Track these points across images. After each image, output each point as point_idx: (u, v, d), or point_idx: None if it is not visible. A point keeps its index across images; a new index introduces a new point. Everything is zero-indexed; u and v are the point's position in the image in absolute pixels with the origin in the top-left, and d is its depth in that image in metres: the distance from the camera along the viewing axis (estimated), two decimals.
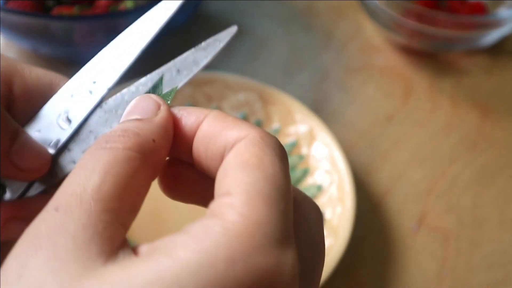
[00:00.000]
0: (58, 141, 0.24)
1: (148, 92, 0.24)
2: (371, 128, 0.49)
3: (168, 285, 0.14)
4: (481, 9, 0.54)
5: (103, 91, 0.24)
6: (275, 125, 0.45)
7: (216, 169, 0.18)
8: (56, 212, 0.16)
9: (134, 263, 0.15)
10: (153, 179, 0.19)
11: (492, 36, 0.51)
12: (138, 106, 0.21)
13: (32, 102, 0.25)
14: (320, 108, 0.50)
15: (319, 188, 0.42)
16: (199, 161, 0.20)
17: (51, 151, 0.24)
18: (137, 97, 0.21)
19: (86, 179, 0.17)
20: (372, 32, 0.57)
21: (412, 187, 0.45)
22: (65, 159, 0.24)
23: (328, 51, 0.55)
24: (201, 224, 0.16)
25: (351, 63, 0.54)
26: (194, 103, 0.45)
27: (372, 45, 0.56)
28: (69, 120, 0.24)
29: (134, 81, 0.25)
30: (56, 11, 0.48)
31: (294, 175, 0.43)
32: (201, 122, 0.19)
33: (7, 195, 0.24)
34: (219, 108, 0.46)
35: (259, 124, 0.45)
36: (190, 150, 0.20)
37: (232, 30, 0.25)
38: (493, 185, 0.46)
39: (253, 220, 0.15)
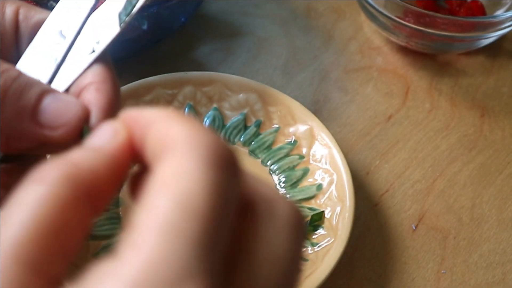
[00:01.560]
0: (56, 56, 0.25)
1: None
2: (370, 128, 0.49)
3: None
4: (479, 10, 0.54)
5: (91, 2, 0.26)
6: (275, 125, 0.45)
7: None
8: None
9: None
10: (94, 215, 0.16)
11: (491, 37, 0.52)
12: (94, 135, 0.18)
13: (36, 30, 0.26)
14: (319, 108, 0.50)
15: (319, 188, 0.42)
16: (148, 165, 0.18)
17: (52, 66, 0.26)
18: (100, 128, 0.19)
19: (4, 227, 0.14)
20: (371, 33, 0.57)
21: (411, 186, 0.46)
22: (64, 71, 0.26)
23: (328, 51, 0.55)
24: (118, 261, 0.14)
25: (350, 64, 0.54)
26: (194, 104, 0.46)
27: (372, 46, 0.56)
28: (63, 36, 0.26)
29: None
30: None
31: (294, 175, 0.43)
32: (149, 128, 0.17)
33: None
34: (219, 108, 0.46)
35: (259, 125, 0.45)
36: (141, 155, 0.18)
37: None
38: (492, 185, 0.46)
39: (158, 264, 0.13)
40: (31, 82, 0.23)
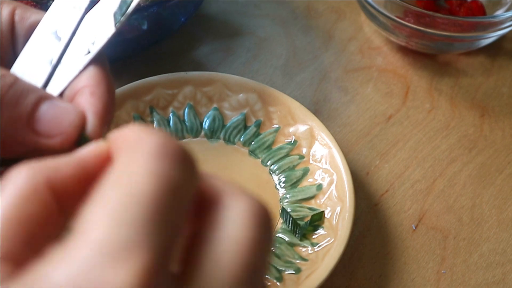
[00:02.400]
0: (52, 57, 0.25)
1: None
2: (370, 128, 0.49)
3: None
4: (479, 10, 0.54)
5: (86, 2, 0.26)
6: (275, 125, 0.45)
7: None
8: None
9: None
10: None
11: (491, 37, 0.52)
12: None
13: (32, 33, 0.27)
14: (319, 108, 0.50)
15: (319, 188, 0.42)
16: None
17: (47, 68, 0.26)
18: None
19: None
20: (371, 33, 0.57)
21: (411, 186, 0.46)
22: (60, 73, 0.26)
23: (328, 51, 0.55)
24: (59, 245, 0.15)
25: (350, 64, 0.54)
26: (195, 104, 0.46)
27: (371, 46, 0.56)
28: (59, 37, 0.26)
29: None
30: None
31: (294, 175, 0.43)
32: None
33: None
34: (219, 108, 0.46)
35: (259, 125, 0.45)
36: None
37: None
38: (492, 185, 0.46)
39: (96, 240, 0.14)
40: (28, 89, 0.23)
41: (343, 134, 0.49)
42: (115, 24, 0.25)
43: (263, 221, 0.17)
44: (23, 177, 0.17)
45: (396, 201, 0.45)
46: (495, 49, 0.57)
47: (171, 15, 0.50)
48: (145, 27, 0.47)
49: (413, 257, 0.42)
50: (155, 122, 0.45)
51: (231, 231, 0.17)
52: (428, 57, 0.55)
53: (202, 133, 0.45)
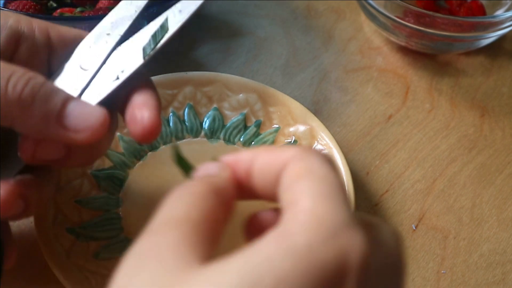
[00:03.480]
0: (78, 86, 0.28)
1: (156, 32, 0.28)
2: (370, 128, 0.49)
3: (264, 267, 0.16)
4: (479, 10, 0.54)
5: (116, 38, 0.29)
6: (275, 125, 0.45)
7: (273, 193, 0.21)
8: (152, 236, 0.19)
9: (226, 262, 0.17)
10: (227, 217, 0.22)
11: (491, 37, 0.52)
12: (206, 168, 0.23)
13: (67, 49, 0.29)
14: (319, 108, 0.50)
15: None
16: (256, 192, 0.22)
17: (75, 92, 0.28)
18: (205, 164, 0.24)
19: (175, 211, 0.20)
20: (371, 33, 0.57)
21: (411, 186, 0.46)
22: (88, 94, 0.28)
23: (328, 51, 0.55)
24: (278, 229, 0.18)
25: (350, 64, 0.54)
26: (194, 104, 0.46)
27: (371, 46, 0.56)
28: (89, 65, 0.28)
29: (141, 28, 0.29)
30: (58, 12, 0.49)
31: None
32: (253, 160, 0.22)
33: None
34: (219, 108, 0.46)
35: (259, 125, 0.46)
36: (249, 187, 0.23)
37: None
38: (492, 185, 0.46)
39: (320, 214, 0.18)
40: (56, 89, 0.26)
41: (343, 134, 0.49)
42: (144, 56, 0.28)
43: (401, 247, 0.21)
44: (208, 194, 0.21)
45: (396, 201, 0.45)
46: (495, 49, 0.57)
47: None
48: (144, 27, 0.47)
49: (413, 257, 0.42)
50: None
51: (387, 249, 0.20)
52: (428, 57, 0.55)
53: (202, 133, 0.45)
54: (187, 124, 0.45)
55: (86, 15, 0.48)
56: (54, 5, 0.50)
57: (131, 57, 0.28)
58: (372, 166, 0.47)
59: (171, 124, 0.45)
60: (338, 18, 0.59)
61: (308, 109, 0.45)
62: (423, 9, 0.49)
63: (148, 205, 0.36)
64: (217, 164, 0.23)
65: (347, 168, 0.41)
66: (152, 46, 0.28)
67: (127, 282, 0.17)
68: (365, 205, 0.44)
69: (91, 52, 0.29)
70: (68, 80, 0.28)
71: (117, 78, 0.28)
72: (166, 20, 0.28)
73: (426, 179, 0.46)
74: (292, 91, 0.51)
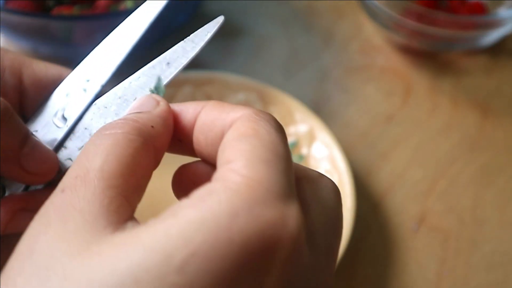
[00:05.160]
0: (54, 139, 0.24)
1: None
2: (371, 128, 0.49)
3: (175, 241, 0.15)
4: (481, 9, 0.54)
5: (96, 88, 0.25)
6: None
7: (215, 152, 0.19)
8: (62, 193, 0.17)
9: (142, 228, 0.15)
10: (155, 164, 0.20)
11: (492, 36, 0.51)
12: (138, 104, 0.22)
13: (42, 93, 0.26)
14: (320, 108, 0.50)
15: None
16: (200, 150, 0.21)
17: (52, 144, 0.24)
18: (138, 98, 0.22)
19: (88, 162, 0.18)
20: (372, 32, 0.57)
21: (412, 187, 0.45)
22: (62, 157, 0.24)
23: (328, 51, 0.55)
24: (204, 188, 0.16)
25: (351, 63, 0.54)
26: None
27: (372, 45, 0.56)
28: (64, 119, 0.25)
29: (126, 77, 0.25)
30: (56, 11, 0.48)
31: None
32: (199, 113, 0.20)
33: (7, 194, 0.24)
34: None
35: None
36: (191, 141, 0.21)
37: (219, 19, 0.26)
38: (493, 185, 0.46)
39: (253, 178, 0.16)
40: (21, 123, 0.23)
41: (344, 134, 0.48)
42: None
43: (340, 197, 0.20)
44: (132, 132, 0.19)
45: (397, 202, 0.44)
46: (497, 49, 0.56)
47: (171, 15, 0.50)
48: None
49: (414, 258, 0.41)
50: None
51: (327, 210, 0.19)
52: (429, 56, 0.55)
53: None
54: None
55: (85, 13, 0.48)
56: (51, 4, 0.50)
57: (108, 118, 0.24)
58: (373, 166, 0.46)
59: None
60: (338, 17, 0.58)
61: (309, 108, 0.44)
62: (425, 8, 0.49)
63: (148, 205, 0.36)
64: (151, 98, 0.21)
65: (348, 168, 0.41)
66: (159, 86, 0.24)
67: (31, 243, 0.16)
68: (366, 205, 0.44)
69: (68, 100, 0.25)
70: (43, 132, 0.25)
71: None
72: (159, 80, 0.25)
73: (428, 179, 0.46)
74: (292, 91, 0.51)
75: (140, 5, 0.29)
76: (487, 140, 0.49)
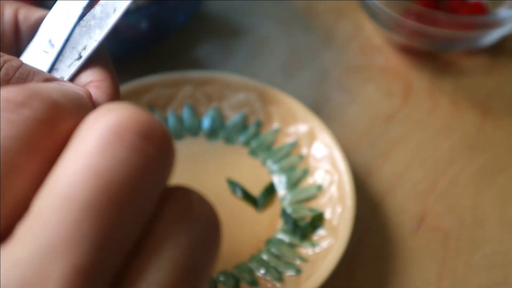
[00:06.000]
0: (45, 64, 0.26)
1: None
2: (371, 128, 0.49)
3: None
4: (481, 9, 0.54)
5: (78, 11, 0.27)
6: (275, 125, 0.45)
7: None
8: None
9: None
10: None
11: (492, 36, 0.51)
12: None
13: (32, 32, 0.28)
14: (320, 108, 0.50)
15: (319, 188, 0.42)
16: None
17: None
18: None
19: None
20: (372, 32, 0.57)
21: (412, 187, 0.45)
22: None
23: (328, 51, 0.55)
24: None
25: (351, 63, 0.54)
26: (194, 103, 0.45)
27: (372, 45, 0.56)
28: (52, 45, 0.27)
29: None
30: None
31: (294, 175, 0.43)
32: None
33: None
34: (219, 108, 0.46)
35: (259, 124, 0.45)
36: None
37: None
38: (494, 185, 0.46)
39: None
40: (34, 71, 0.24)
41: (344, 134, 0.48)
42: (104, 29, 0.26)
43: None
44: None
45: (397, 202, 0.44)
46: (497, 49, 0.56)
47: (171, 15, 0.50)
48: (144, 26, 0.46)
49: (414, 258, 0.41)
50: None
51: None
52: (429, 56, 0.55)
53: (202, 133, 0.45)
54: (186, 123, 0.45)
55: None
56: (52, 3, 0.50)
57: (92, 33, 0.26)
58: (373, 167, 0.46)
59: (170, 124, 0.45)
60: (338, 17, 0.58)
61: (309, 108, 0.44)
62: (425, 8, 0.49)
63: None
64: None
65: (348, 168, 0.41)
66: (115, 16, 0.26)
67: None
68: (366, 206, 0.44)
69: (54, 30, 0.27)
70: (33, 62, 0.27)
71: (80, 57, 0.26)
72: None
73: (428, 179, 0.46)
74: (292, 90, 0.51)
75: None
76: (487, 140, 0.49)
